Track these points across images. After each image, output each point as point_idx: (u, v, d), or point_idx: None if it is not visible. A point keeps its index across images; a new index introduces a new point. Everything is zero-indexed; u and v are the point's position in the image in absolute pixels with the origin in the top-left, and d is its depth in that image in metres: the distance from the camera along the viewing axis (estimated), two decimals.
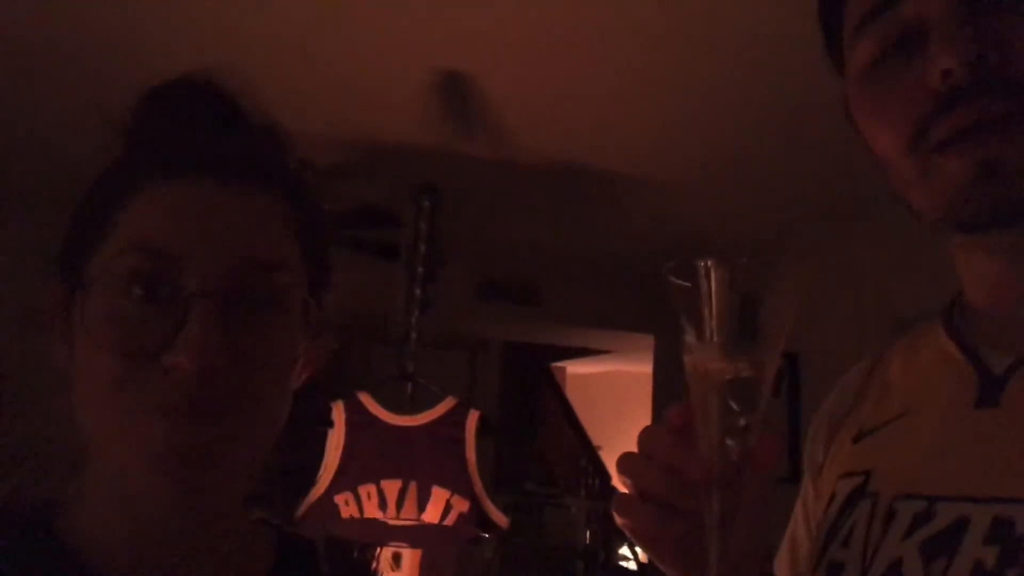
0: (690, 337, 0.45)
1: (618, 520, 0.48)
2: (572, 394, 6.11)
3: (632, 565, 5.10)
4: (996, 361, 0.48)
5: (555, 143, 2.38)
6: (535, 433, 5.86)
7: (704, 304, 0.44)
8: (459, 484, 1.77)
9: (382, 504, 1.72)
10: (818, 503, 0.59)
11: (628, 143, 2.37)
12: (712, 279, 0.44)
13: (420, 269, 2.16)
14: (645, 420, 4.45)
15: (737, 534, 0.44)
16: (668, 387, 4.04)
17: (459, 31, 1.80)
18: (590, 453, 5.51)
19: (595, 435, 5.59)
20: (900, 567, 0.45)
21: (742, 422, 0.44)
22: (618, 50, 1.84)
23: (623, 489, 0.49)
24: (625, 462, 0.48)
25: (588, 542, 5.05)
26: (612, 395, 6.41)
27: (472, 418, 1.82)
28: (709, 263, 0.44)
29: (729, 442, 0.44)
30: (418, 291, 2.14)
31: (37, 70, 2.04)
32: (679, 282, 0.45)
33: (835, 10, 0.54)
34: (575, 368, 6.53)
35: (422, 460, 1.77)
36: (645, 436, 0.48)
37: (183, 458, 0.44)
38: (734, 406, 0.44)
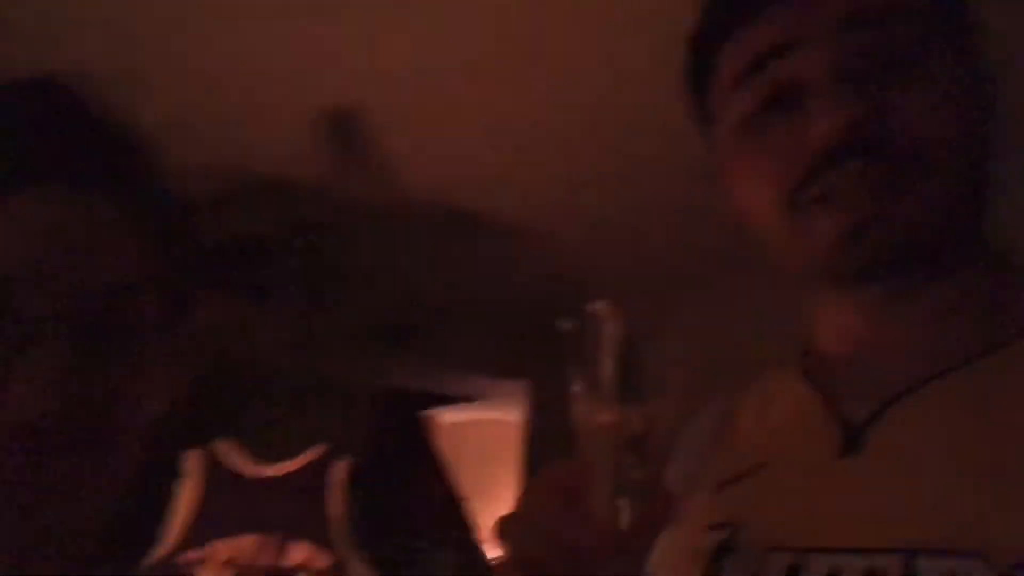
0: (580, 388, 0.46)
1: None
2: (440, 443, 6.01)
3: None
4: (856, 409, 0.49)
5: (442, 186, 2.37)
6: (401, 483, 5.69)
7: (596, 352, 0.45)
8: (321, 539, 1.67)
9: (233, 561, 1.58)
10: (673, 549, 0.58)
11: (516, 191, 2.41)
12: (605, 325, 0.45)
13: (296, 310, 2.06)
14: (511, 470, 4.43)
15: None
16: (539, 436, 4.05)
17: (355, 67, 1.78)
18: (458, 504, 5.41)
19: (462, 485, 5.51)
20: None
21: (638, 477, 0.43)
22: (513, 99, 1.86)
23: (499, 553, 0.47)
24: (505, 525, 0.46)
25: None
26: (478, 444, 6.36)
27: (340, 467, 1.73)
28: (602, 308, 0.45)
29: (624, 501, 0.42)
30: (292, 334, 2.04)
31: None
32: (570, 327, 0.46)
33: (706, 62, 0.56)
34: (444, 416, 6.45)
35: (282, 513, 1.65)
36: (529, 497, 0.47)
37: (20, 508, 0.39)
38: (630, 461, 0.43)
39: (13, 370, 0.38)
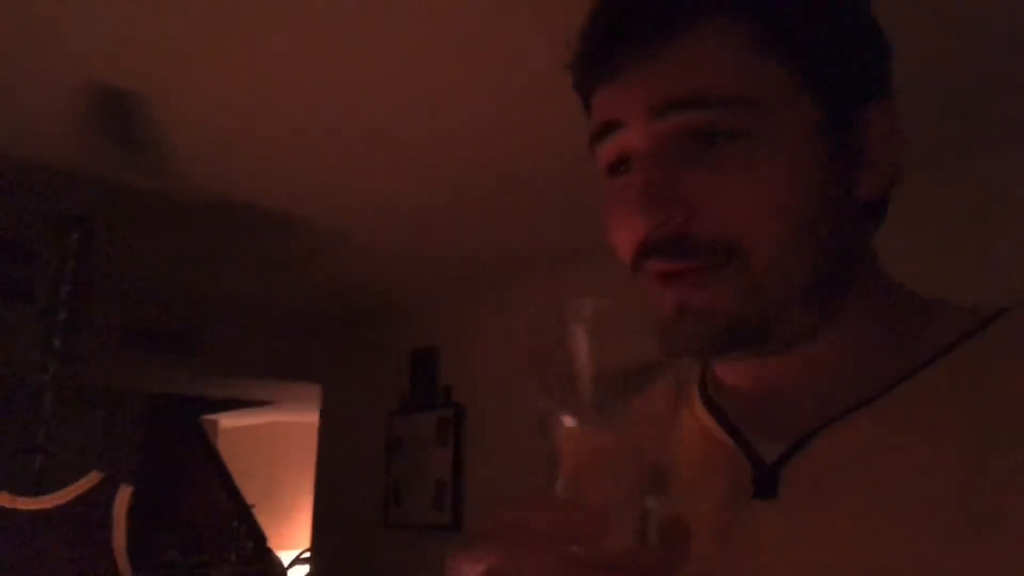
0: (553, 406, 0.34)
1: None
2: (225, 449, 5.62)
3: None
4: (766, 448, 0.48)
5: (225, 179, 2.20)
6: (180, 495, 5.25)
7: (577, 361, 0.34)
8: (102, 571, 1.49)
9: None
10: None
11: (306, 186, 2.29)
12: (588, 323, 0.34)
13: (62, 315, 1.80)
14: (305, 473, 4.27)
15: None
16: (335, 437, 3.94)
17: (130, 44, 1.58)
18: (243, 513, 5.10)
19: (250, 492, 5.20)
20: None
21: (649, 505, 0.34)
22: (305, 90, 1.77)
23: (469, 566, 0.34)
24: (496, 533, 0.34)
25: None
26: (271, 448, 6.05)
27: (123, 496, 1.55)
28: (582, 303, 0.34)
29: (632, 537, 0.33)
30: (57, 341, 1.78)
31: None
32: (538, 335, 0.33)
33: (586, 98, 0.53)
34: (229, 421, 6.04)
35: (55, 550, 1.44)
36: (534, 505, 0.34)
37: None
38: (635, 486, 0.34)
39: None
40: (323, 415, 4.07)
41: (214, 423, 5.96)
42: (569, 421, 0.33)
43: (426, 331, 3.43)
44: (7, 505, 1.44)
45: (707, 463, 0.51)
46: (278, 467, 5.80)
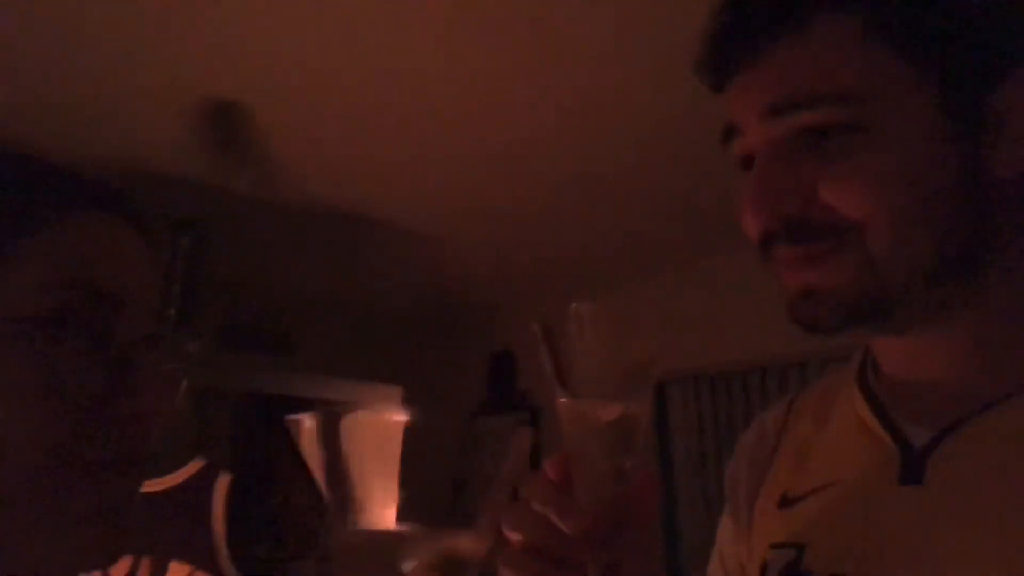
0: (561, 384, 0.45)
1: (504, 574, 0.46)
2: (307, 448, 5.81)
3: None
4: (915, 434, 0.49)
5: (324, 186, 2.30)
6: (267, 492, 5.46)
7: (576, 348, 0.44)
8: (202, 557, 1.57)
9: None
10: (740, 551, 0.59)
11: (394, 189, 2.37)
12: (585, 322, 0.45)
13: (173, 311, 1.92)
14: (392, 473, 4.37)
15: (631, 561, 0.44)
16: (415, 439, 4.02)
17: (233, 58, 1.68)
18: (324, 512, 5.26)
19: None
20: None
21: (623, 466, 0.44)
22: (400, 98, 1.84)
23: (511, 541, 0.47)
24: (512, 514, 0.46)
25: None
26: (359, 447, 6.22)
27: (222, 483, 1.64)
28: (581, 306, 0.45)
29: (609, 488, 0.43)
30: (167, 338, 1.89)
31: None
32: (547, 329, 0.45)
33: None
34: (312, 421, 6.25)
35: (160, 532, 1.54)
36: (531, 488, 0.46)
37: (120, 513, 0.41)
38: (613, 450, 0.43)
39: (130, 379, 0.40)
40: (407, 415, 4.15)
41: (299, 423, 6.17)
42: (564, 398, 0.44)
43: (506, 334, 3.47)
44: None
45: (857, 448, 0.52)
46: (367, 466, 5.94)
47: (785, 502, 0.55)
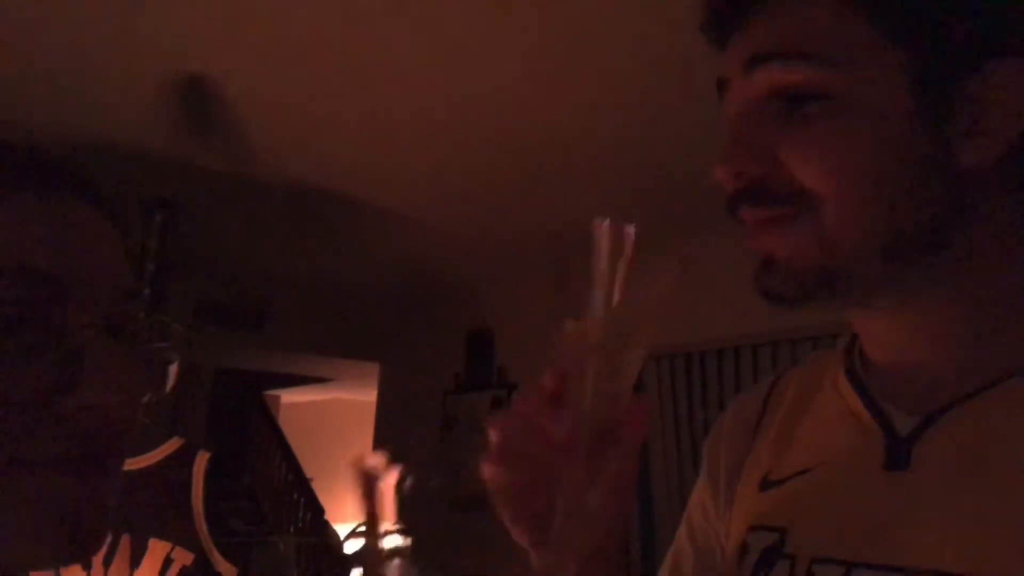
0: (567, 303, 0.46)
1: (485, 472, 0.47)
2: (286, 424, 5.81)
3: None
4: (901, 420, 0.49)
5: (298, 164, 2.27)
6: (243, 466, 5.45)
7: (593, 265, 0.45)
8: (182, 535, 1.57)
9: (86, 564, 1.46)
10: (715, 528, 0.59)
11: (374, 172, 2.35)
12: (604, 240, 0.45)
13: (145, 291, 1.90)
14: (365, 447, 4.39)
15: (599, 509, 0.45)
16: (392, 415, 4.04)
17: (204, 31, 1.64)
18: (303, 486, 5.27)
19: (309, 466, 5.37)
20: None
21: (613, 387, 0.45)
22: (374, 78, 1.82)
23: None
24: (499, 420, 0.46)
25: None
26: (329, 424, 6.22)
27: (201, 460, 1.63)
28: (605, 223, 0.45)
29: (601, 409, 0.44)
30: (141, 315, 1.88)
31: None
32: (605, 235, 0.46)
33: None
34: (290, 396, 6.23)
35: (139, 509, 1.54)
36: (519, 398, 0.46)
37: (76, 520, 0.37)
38: (611, 375, 0.45)
39: (78, 372, 0.36)
40: (381, 393, 4.17)
41: (276, 398, 6.16)
42: (569, 325, 0.45)
43: (482, 312, 3.49)
44: None
45: (841, 432, 0.52)
46: (336, 443, 5.96)
47: (766, 484, 0.55)
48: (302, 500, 5.21)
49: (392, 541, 4.52)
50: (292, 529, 5.20)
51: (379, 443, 4.12)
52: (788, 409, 0.58)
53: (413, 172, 2.37)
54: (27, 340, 0.36)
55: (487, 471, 0.45)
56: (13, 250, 0.36)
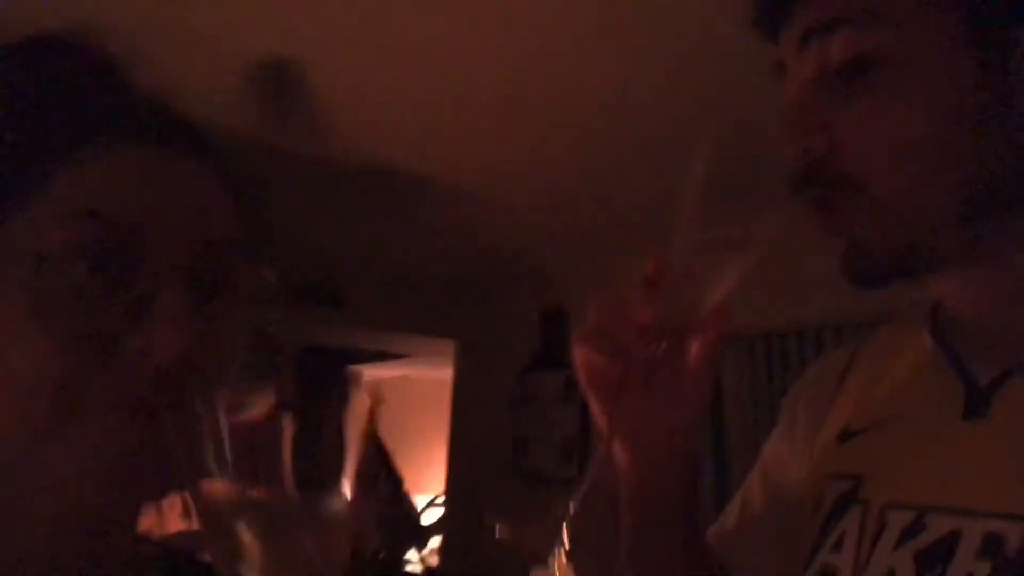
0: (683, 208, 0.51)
1: (575, 350, 0.51)
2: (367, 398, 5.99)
3: (418, 568, 5.11)
4: (981, 371, 0.49)
5: (373, 143, 2.34)
6: (326, 438, 5.67)
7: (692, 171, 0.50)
8: (273, 487, 1.68)
9: (187, 514, 1.58)
10: (788, 477, 0.60)
11: (447, 151, 2.39)
12: (702, 149, 0.50)
13: (251, 247, 2.00)
14: (440, 425, 4.50)
15: (676, 394, 0.50)
16: (468, 392, 4.12)
17: (284, 14, 1.71)
18: (382, 458, 5.45)
19: (389, 439, 5.54)
20: None
21: (703, 292, 0.48)
22: (446, 57, 1.86)
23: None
24: (596, 302, 0.51)
25: (377, 548, 4.99)
26: (407, 399, 6.39)
27: (288, 419, 1.74)
28: (706, 139, 0.49)
29: (685, 303, 0.48)
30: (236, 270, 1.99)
31: None
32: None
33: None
34: (371, 372, 6.43)
35: (240, 460, 1.64)
36: (617, 291, 0.51)
37: (140, 463, 0.38)
38: (701, 273, 0.49)
39: (146, 317, 0.38)
40: (457, 370, 4.26)
41: (357, 374, 6.37)
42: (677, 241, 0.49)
43: (556, 292, 3.50)
44: None
45: (921, 384, 0.53)
46: (414, 417, 6.13)
47: (845, 436, 0.56)
48: (382, 472, 5.38)
49: (432, 515, 4.65)
50: (374, 499, 5.38)
51: (455, 419, 4.22)
52: (871, 366, 0.59)
53: (489, 152, 2.40)
54: (103, 281, 0.38)
55: (577, 349, 0.50)
56: (97, 197, 0.39)
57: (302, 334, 4.54)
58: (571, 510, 0.50)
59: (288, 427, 1.87)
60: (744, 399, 2.88)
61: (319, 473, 5.72)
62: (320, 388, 5.78)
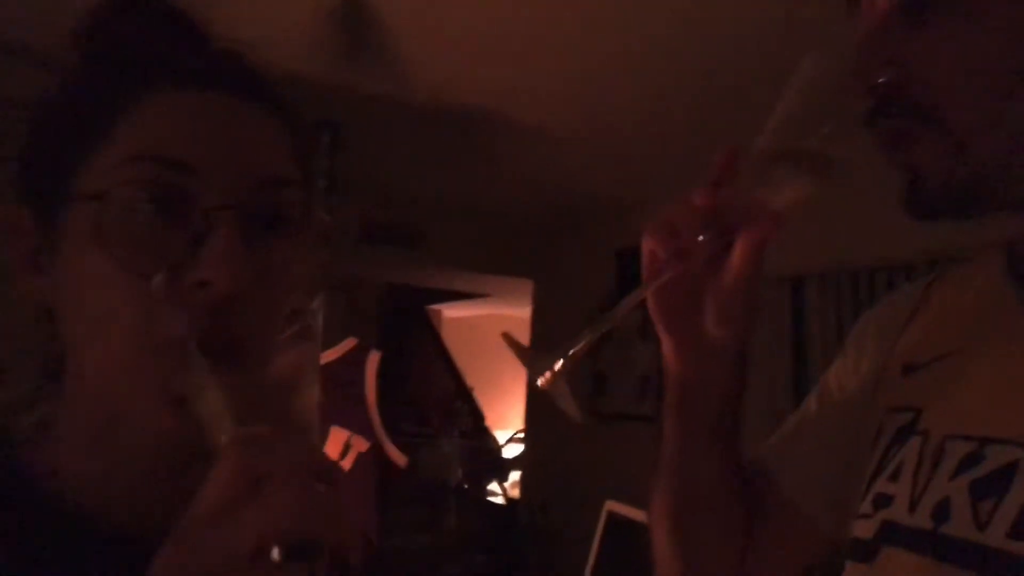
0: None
1: (643, 242, 0.56)
2: (448, 336, 6.16)
3: (500, 500, 5.31)
4: None
5: (452, 86, 2.35)
6: (410, 374, 5.88)
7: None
8: (358, 424, 1.78)
9: None
10: (844, 405, 0.62)
11: (525, 91, 2.38)
12: (805, 66, 0.51)
13: (318, 184, 2.09)
14: (520, 362, 4.59)
15: (720, 293, 0.52)
16: (545, 329, 4.17)
17: None
18: (465, 394, 5.62)
19: (469, 376, 5.69)
20: (948, 505, 0.46)
21: (757, 196, 0.50)
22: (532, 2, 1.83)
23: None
24: (670, 204, 0.54)
25: (460, 479, 5.20)
26: (487, 338, 6.52)
27: (373, 358, 1.83)
28: (813, 54, 0.51)
29: (740, 205, 0.50)
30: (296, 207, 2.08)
31: None
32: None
33: None
34: (451, 311, 6.57)
35: (322, 399, 1.75)
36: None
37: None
38: (758, 181, 0.51)
39: (201, 251, 0.40)
40: (535, 309, 4.31)
41: (438, 312, 6.53)
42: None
43: (632, 230, 3.46)
44: None
45: (991, 320, 0.53)
46: (494, 355, 6.26)
47: (908, 369, 0.56)
48: (465, 407, 5.56)
49: (513, 449, 4.76)
50: (456, 433, 5.58)
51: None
52: (941, 302, 0.58)
53: (563, 90, 2.37)
54: (163, 219, 0.40)
55: (643, 239, 0.53)
56: (152, 140, 0.42)
57: (384, 274, 4.69)
58: (575, 349, 0.56)
59: (372, 365, 1.98)
60: (828, 339, 2.81)
61: (429, 415, 5.98)
62: (403, 327, 5.98)
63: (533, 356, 0.55)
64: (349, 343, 1.87)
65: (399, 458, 1.83)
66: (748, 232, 0.50)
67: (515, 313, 5.76)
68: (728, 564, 0.62)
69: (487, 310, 6.37)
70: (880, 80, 0.48)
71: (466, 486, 5.04)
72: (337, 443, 1.78)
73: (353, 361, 1.85)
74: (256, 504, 0.30)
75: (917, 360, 0.56)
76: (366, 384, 1.84)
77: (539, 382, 0.55)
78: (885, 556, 0.49)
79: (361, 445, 1.78)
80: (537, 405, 4.22)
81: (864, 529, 0.52)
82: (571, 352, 0.56)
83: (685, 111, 2.44)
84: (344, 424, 1.78)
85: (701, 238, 0.51)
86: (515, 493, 5.05)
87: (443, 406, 5.67)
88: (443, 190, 3.51)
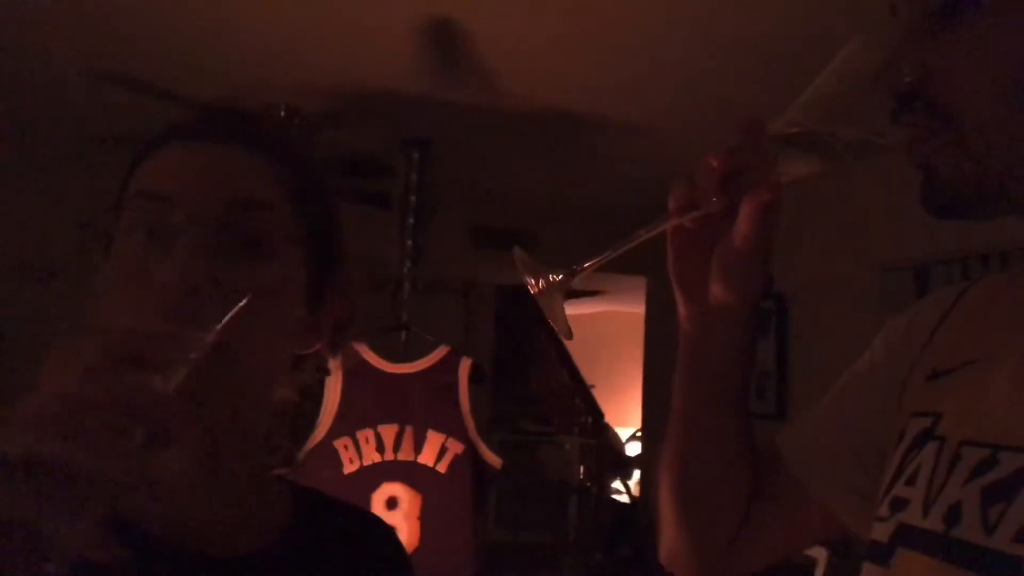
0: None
1: (670, 201, 0.59)
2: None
3: (624, 498, 5.29)
4: None
5: (543, 89, 2.37)
6: (529, 374, 5.97)
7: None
8: (453, 428, 1.85)
9: (379, 447, 1.80)
10: (865, 405, 0.63)
11: (616, 88, 2.37)
12: (849, 49, 0.53)
13: (411, 219, 2.19)
14: (637, 359, 4.55)
15: (728, 255, 0.56)
16: (660, 326, 4.11)
17: None
18: (583, 392, 5.63)
19: (588, 375, 5.70)
20: (960, 509, 0.47)
21: (785, 163, 0.53)
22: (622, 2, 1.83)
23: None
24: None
25: (582, 477, 5.22)
26: (605, 335, 6.50)
27: (464, 365, 1.89)
28: (857, 38, 0.53)
29: (759, 168, 0.53)
30: (409, 241, 2.18)
31: (33, 25, 2.02)
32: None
33: None
34: (568, 309, 6.60)
35: (417, 406, 1.84)
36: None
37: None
38: (788, 153, 0.54)
39: (165, 257, 0.47)
40: (649, 305, 4.26)
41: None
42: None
43: None
44: (376, 365, 1.86)
45: (1017, 326, 0.53)
46: (611, 352, 6.24)
47: (934, 375, 0.57)
48: (584, 405, 5.57)
49: (634, 447, 4.67)
50: (576, 431, 5.61)
51: (649, 354, 4.24)
52: (972, 308, 0.59)
53: (659, 86, 2.35)
54: (146, 240, 0.49)
55: (672, 200, 0.58)
56: (143, 182, 0.51)
57: (499, 277, 4.79)
58: (579, 267, 0.59)
59: (464, 371, 2.03)
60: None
61: (549, 413, 6.06)
62: (520, 327, 6.09)
63: (535, 265, 0.58)
64: (442, 351, 1.94)
65: (493, 460, 1.88)
66: (749, 198, 0.54)
67: (630, 310, 5.70)
68: (727, 532, 0.65)
69: (602, 307, 6.34)
70: (906, 80, 0.49)
71: (588, 484, 5.06)
72: (434, 446, 1.86)
73: (446, 368, 1.92)
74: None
75: (943, 365, 0.56)
76: (459, 389, 1.90)
77: (532, 290, 0.57)
78: (899, 558, 0.50)
79: (457, 447, 1.85)
80: (654, 402, 4.17)
81: (881, 532, 0.53)
82: (574, 267, 0.59)
83: (779, 106, 2.34)
84: (440, 428, 1.86)
85: (714, 199, 0.55)
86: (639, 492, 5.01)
87: (562, 404, 5.71)
88: (549, 193, 3.55)
